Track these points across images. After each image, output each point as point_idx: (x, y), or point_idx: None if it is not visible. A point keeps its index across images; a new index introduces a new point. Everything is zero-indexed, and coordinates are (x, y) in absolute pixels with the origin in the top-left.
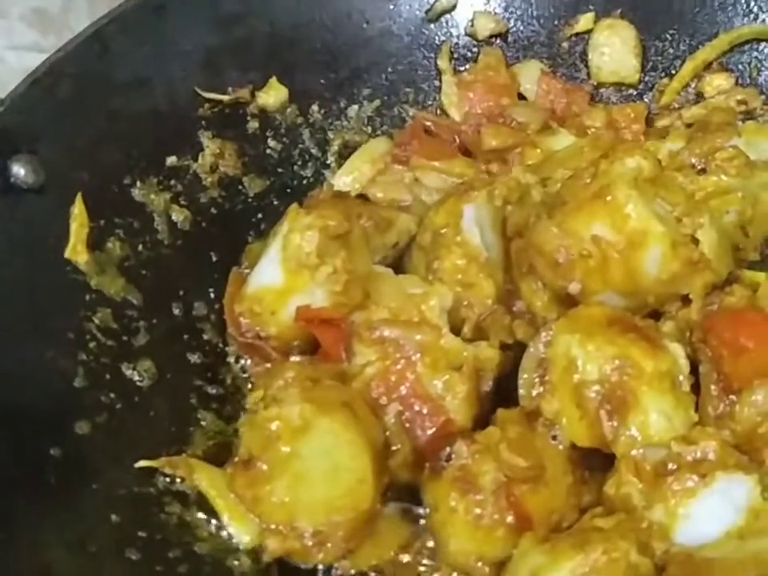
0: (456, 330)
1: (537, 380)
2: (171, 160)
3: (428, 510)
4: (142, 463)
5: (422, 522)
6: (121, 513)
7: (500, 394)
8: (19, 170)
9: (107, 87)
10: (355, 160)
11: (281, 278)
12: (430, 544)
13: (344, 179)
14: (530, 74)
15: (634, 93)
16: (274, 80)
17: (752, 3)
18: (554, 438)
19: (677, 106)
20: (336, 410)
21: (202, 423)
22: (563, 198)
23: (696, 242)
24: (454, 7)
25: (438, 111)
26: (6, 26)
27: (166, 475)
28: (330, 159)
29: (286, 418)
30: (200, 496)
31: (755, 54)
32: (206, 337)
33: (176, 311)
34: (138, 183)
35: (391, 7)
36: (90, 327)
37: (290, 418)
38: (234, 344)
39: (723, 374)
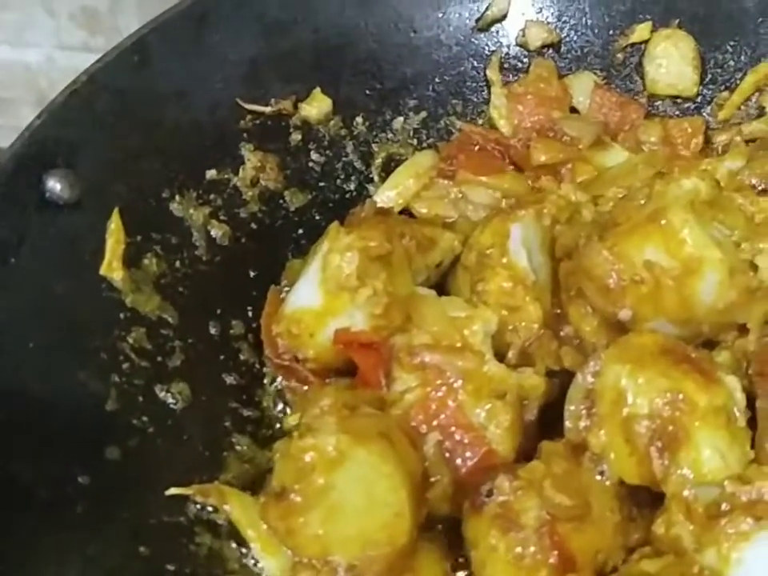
0: (500, 356)
1: (584, 412)
2: (211, 173)
3: (468, 547)
4: (173, 491)
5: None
6: (150, 544)
7: (544, 424)
8: (55, 185)
9: (146, 99)
10: (400, 174)
11: (319, 299)
12: None
13: (388, 194)
14: (583, 86)
15: (692, 106)
16: (317, 91)
17: None
18: (601, 473)
19: (737, 120)
20: (373, 442)
21: (237, 448)
22: (615, 219)
23: (755, 268)
24: (504, 16)
25: (487, 124)
26: (55, 25)
27: (196, 503)
28: (374, 173)
29: (321, 449)
30: (231, 526)
31: None
32: (242, 357)
33: (212, 330)
34: (177, 197)
35: (440, 16)
36: (123, 347)
37: (324, 449)
38: (271, 365)
39: None
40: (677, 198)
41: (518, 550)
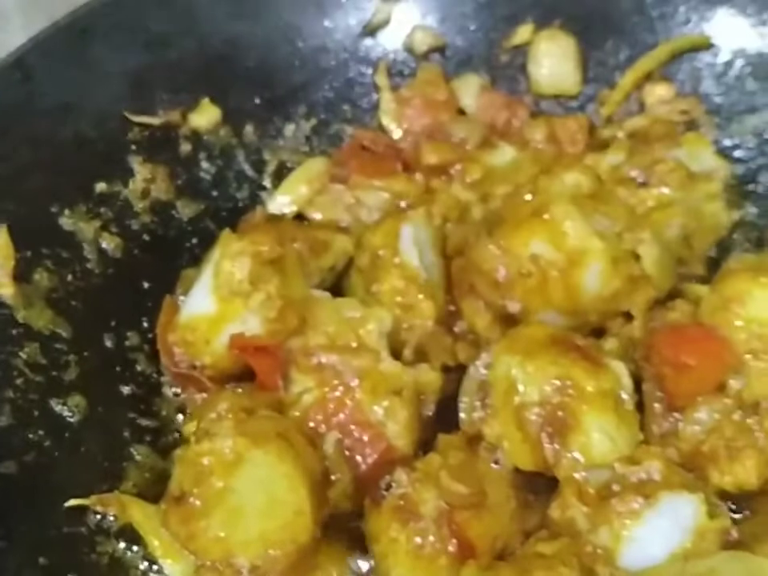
0: (397, 354)
1: (478, 403)
2: (100, 186)
3: (370, 542)
4: (71, 502)
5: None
6: (50, 555)
7: (443, 418)
8: None
9: (31, 114)
10: (292, 181)
11: (213, 306)
12: None
13: (281, 200)
14: (470, 89)
15: (576, 105)
16: (206, 101)
17: (690, 13)
18: (497, 462)
19: (620, 117)
20: (270, 442)
21: (136, 457)
22: (502, 215)
23: (637, 257)
24: (389, 22)
25: (377, 128)
26: None
27: (97, 513)
28: (267, 180)
29: (218, 452)
30: (133, 534)
31: (695, 63)
32: (139, 368)
33: (107, 343)
34: (66, 211)
35: (327, 23)
36: (16, 363)
37: (222, 452)
38: (169, 374)
39: (666, 392)
40: (559, 192)
41: (418, 540)
